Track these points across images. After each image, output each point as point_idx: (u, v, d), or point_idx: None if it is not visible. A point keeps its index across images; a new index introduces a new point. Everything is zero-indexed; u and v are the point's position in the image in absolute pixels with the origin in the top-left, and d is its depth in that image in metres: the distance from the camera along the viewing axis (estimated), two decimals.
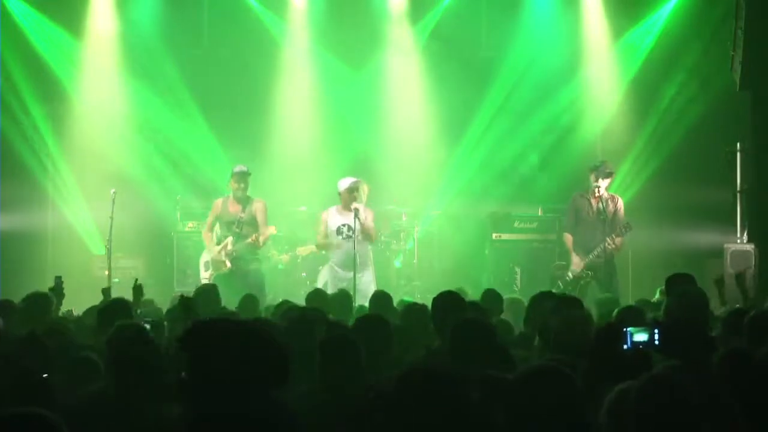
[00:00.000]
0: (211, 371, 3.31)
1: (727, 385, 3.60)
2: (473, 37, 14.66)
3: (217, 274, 11.59)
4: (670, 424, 3.28)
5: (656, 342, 3.55)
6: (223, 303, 8.59)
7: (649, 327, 3.57)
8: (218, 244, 11.73)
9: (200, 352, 3.35)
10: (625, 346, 3.55)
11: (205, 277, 11.89)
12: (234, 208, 11.68)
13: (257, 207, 11.66)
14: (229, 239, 11.61)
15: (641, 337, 3.56)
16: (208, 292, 8.46)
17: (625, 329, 3.56)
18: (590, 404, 3.53)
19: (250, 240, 11.47)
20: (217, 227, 11.95)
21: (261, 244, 11.58)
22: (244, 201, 11.67)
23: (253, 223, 11.58)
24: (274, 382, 3.37)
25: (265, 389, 3.34)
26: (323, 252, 12.44)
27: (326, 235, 11.85)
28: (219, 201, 11.90)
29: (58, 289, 8.46)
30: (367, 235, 11.66)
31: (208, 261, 12.04)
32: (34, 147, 14.02)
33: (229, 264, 11.59)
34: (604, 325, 3.77)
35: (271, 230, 11.68)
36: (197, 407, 3.32)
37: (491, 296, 8.01)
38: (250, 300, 8.68)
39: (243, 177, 11.63)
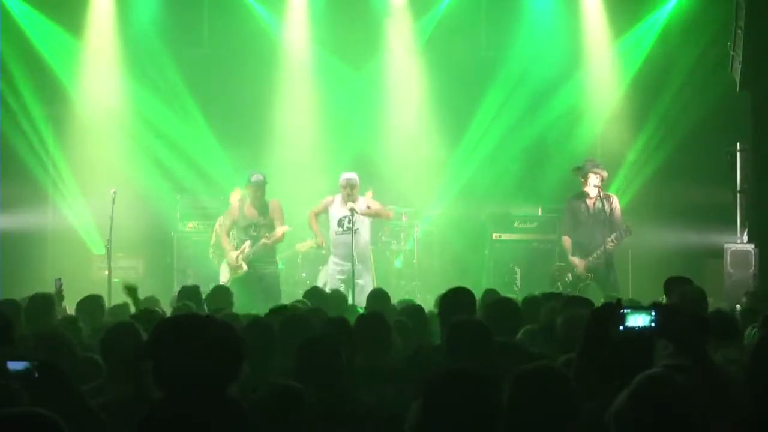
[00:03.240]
0: (170, 368, 3.29)
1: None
2: (473, 37, 14.67)
3: (234, 277, 11.57)
4: (667, 426, 3.27)
5: (653, 324, 3.49)
6: (239, 304, 8.64)
7: (646, 310, 3.52)
8: (236, 248, 11.73)
9: (161, 351, 3.34)
10: (620, 328, 3.51)
11: (223, 280, 11.87)
12: (251, 212, 11.66)
13: (273, 208, 11.67)
14: (247, 243, 11.61)
15: (638, 319, 3.50)
16: (222, 292, 8.48)
17: (621, 310, 3.52)
18: (580, 390, 3.55)
19: (262, 242, 11.48)
20: (233, 232, 11.91)
21: (271, 242, 11.59)
22: (262, 205, 11.67)
23: (271, 226, 11.60)
24: (228, 379, 3.34)
25: (219, 387, 3.31)
26: (323, 251, 12.44)
27: (321, 213, 11.90)
28: (235, 205, 11.88)
29: (58, 292, 8.48)
30: (381, 217, 11.97)
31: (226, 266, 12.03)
32: (34, 147, 14.02)
33: (245, 267, 11.58)
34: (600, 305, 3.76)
35: (284, 229, 11.66)
36: (153, 406, 3.31)
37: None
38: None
39: (261, 186, 11.62)
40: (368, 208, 11.76)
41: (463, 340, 5.04)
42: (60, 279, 8.76)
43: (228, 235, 11.87)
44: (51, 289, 8.64)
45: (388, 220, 12.34)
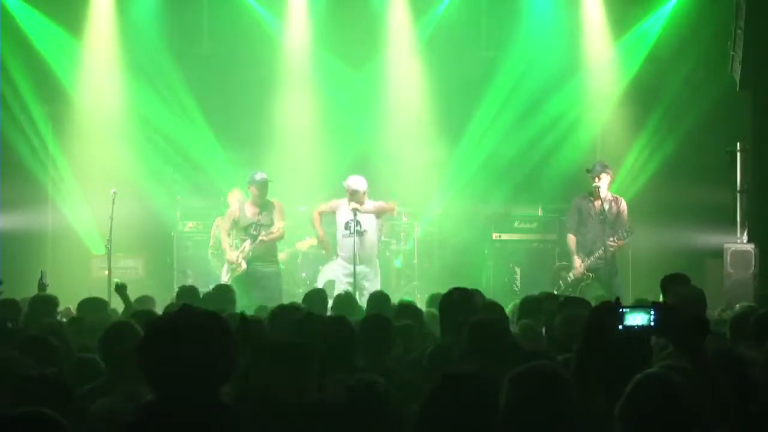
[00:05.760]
0: (159, 368, 3.18)
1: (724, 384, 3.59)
2: (473, 37, 14.66)
3: (234, 276, 11.53)
4: (665, 426, 3.27)
5: (652, 324, 3.47)
6: (239, 304, 8.62)
7: (645, 308, 3.50)
8: (236, 248, 11.69)
9: (149, 350, 3.21)
10: (620, 327, 3.49)
11: (224, 280, 11.84)
12: (252, 212, 11.63)
13: (275, 208, 11.64)
14: (248, 242, 11.57)
15: (637, 318, 3.48)
16: (224, 292, 8.47)
17: (620, 309, 3.50)
18: (579, 390, 3.55)
19: (259, 239, 11.45)
20: (233, 231, 11.87)
21: (268, 240, 11.56)
22: (263, 204, 11.65)
23: (272, 225, 11.57)
24: (221, 378, 3.22)
25: (211, 387, 3.19)
26: (323, 252, 12.42)
27: (326, 213, 11.91)
28: (235, 206, 11.85)
29: (41, 283, 8.53)
30: (384, 214, 11.94)
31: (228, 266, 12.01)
32: (34, 147, 14.03)
33: (244, 265, 11.53)
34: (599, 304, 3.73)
35: (279, 225, 11.62)
36: (140, 407, 3.22)
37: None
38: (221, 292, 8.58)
39: (265, 185, 11.59)
40: (372, 206, 11.74)
41: (484, 340, 5.02)
42: (42, 270, 8.87)
43: (228, 235, 11.84)
44: (52, 289, 8.68)
45: (392, 213, 12.27)
